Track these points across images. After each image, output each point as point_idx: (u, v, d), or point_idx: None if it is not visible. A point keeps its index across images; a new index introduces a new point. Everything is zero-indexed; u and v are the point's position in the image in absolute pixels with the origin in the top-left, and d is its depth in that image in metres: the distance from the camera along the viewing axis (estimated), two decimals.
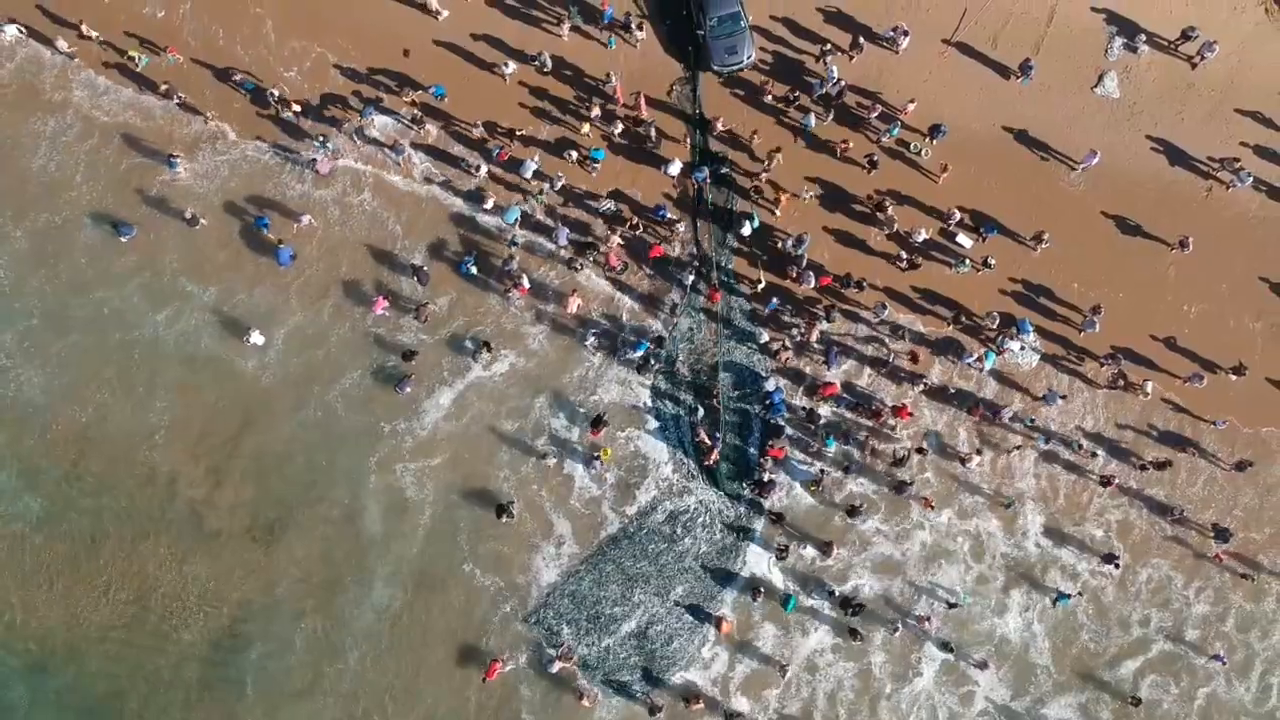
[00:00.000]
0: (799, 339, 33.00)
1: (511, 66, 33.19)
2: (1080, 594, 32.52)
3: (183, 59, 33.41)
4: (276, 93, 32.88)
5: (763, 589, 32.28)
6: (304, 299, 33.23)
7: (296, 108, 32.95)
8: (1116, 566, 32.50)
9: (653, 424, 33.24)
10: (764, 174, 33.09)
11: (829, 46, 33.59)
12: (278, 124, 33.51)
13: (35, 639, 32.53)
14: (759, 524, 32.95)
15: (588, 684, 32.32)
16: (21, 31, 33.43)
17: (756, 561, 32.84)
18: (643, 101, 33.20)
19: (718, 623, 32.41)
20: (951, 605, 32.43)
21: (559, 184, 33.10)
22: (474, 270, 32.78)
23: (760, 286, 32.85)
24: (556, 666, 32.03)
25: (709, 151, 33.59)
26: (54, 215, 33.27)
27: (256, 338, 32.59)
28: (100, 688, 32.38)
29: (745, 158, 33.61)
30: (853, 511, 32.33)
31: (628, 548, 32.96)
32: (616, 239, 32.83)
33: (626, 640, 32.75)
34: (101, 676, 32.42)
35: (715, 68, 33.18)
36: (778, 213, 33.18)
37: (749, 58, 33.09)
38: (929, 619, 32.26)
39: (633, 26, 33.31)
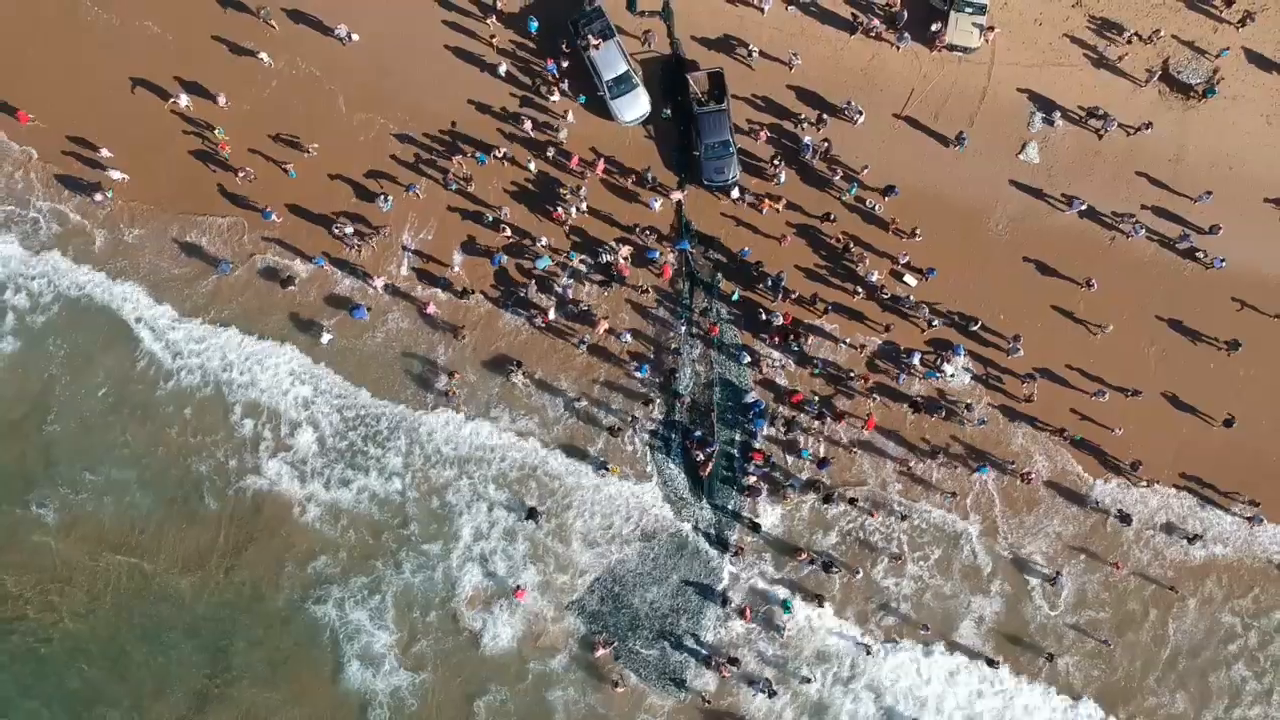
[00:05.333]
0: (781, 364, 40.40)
1: (532, 164, 40.54)
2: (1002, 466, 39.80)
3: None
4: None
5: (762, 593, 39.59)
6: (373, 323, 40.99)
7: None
8: (1055, 583, 39.48)
9: (660, 446, 40.36)
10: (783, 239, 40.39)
11: (803, 117, 40.81)
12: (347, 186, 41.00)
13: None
14: (737, 532, 40.04)
15: (621, 672, 39.22)
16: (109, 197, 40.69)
17: (750, 568, 39.96)
18: (600, 167, 40.43)
19: (741, 612, 39.21)
20: (903, 518, 39.59)
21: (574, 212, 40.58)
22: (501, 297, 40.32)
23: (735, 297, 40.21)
24: (599, 652, 38.96)
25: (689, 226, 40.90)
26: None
27: (325, 337, 40.09)
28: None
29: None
30: (828, 499, 39.62)
31: (638, 562, 39.89)
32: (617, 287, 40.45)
33: (654, 634, 39.67)
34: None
35: (705, 182, 40.12)
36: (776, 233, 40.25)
37: (734, 177, 39.90)
38: (902, 559, 39.54)
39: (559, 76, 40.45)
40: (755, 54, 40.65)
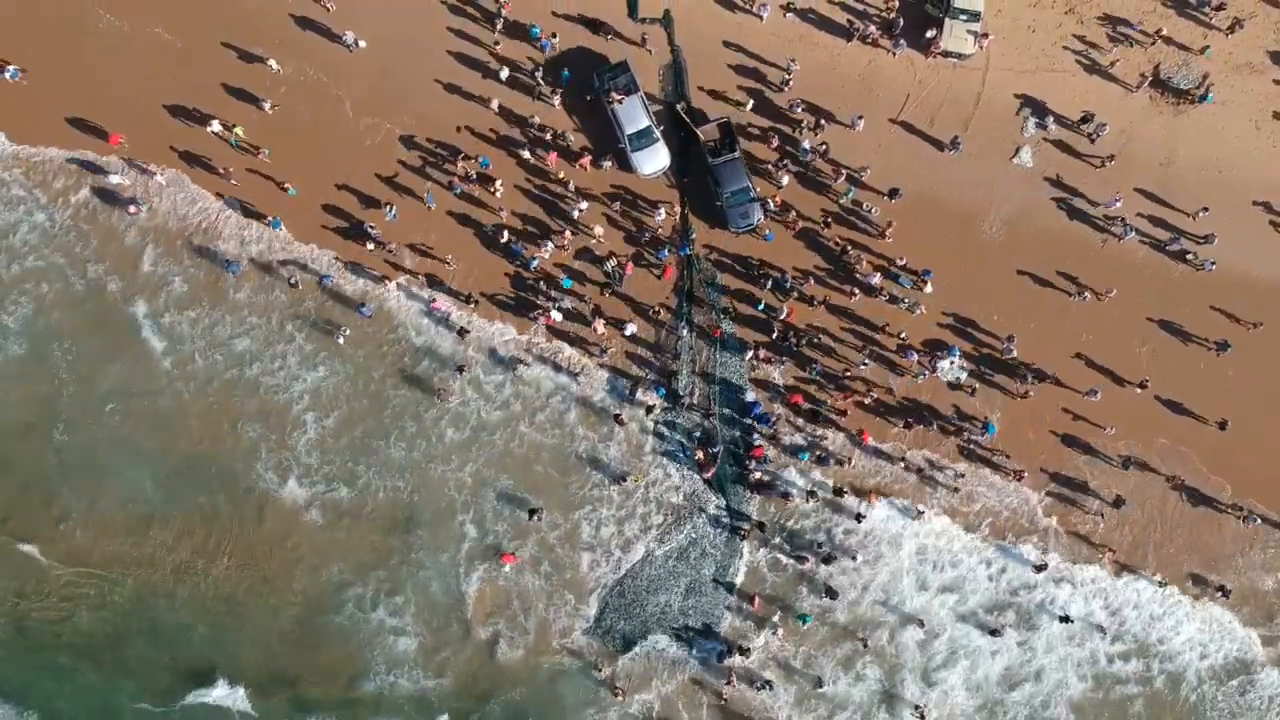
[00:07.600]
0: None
1: (525, 152, 41.29)
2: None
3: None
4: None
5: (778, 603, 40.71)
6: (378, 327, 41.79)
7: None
8: (1042, 570, 40.62)
9: (665, 450, 41.25)
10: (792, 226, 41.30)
11: (802, 122, 41.53)
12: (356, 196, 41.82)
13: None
14: (744, 531, 40.92)
15: (627, 677, 40.20)
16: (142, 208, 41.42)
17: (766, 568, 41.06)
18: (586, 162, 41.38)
19: (751, 599, 40.25)
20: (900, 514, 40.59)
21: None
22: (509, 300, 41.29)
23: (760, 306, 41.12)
24: (605, 670, 40.07)
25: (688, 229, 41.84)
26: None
27: (341, 336, 40.95)
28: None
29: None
30: (838, 492, 40.60)
31: (646, 565, 40.81)
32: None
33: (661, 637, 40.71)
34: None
35: (731, 229, 40.92)
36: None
37: (758, 220, 40.75)
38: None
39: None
40: (790, 81, 41.48)
